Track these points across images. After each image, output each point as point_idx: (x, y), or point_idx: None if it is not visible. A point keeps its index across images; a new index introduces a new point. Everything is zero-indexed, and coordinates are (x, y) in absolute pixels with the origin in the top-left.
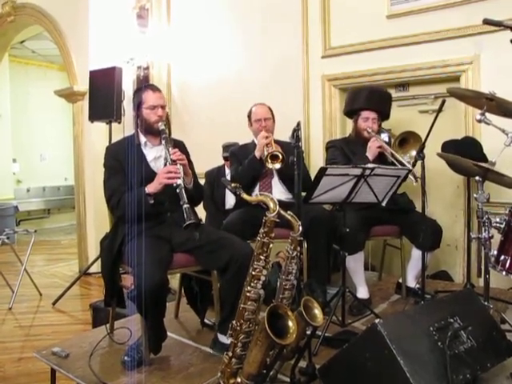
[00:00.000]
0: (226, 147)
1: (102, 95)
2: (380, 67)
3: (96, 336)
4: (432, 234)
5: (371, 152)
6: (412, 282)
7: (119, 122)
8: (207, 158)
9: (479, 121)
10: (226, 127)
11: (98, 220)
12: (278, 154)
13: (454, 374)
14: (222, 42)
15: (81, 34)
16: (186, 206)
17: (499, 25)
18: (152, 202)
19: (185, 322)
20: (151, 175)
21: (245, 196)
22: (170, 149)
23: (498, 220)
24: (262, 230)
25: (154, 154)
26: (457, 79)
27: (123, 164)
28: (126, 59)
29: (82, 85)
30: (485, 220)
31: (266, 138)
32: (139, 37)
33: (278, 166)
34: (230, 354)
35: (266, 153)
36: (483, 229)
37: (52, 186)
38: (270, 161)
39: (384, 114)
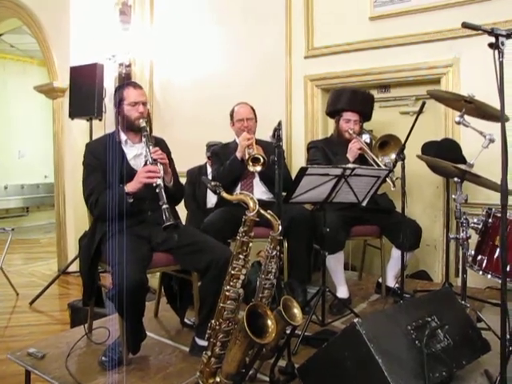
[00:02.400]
0: (209, 146)
1: (83, 92)
2: (362, 68)
3: (74, 336)
4: (412, 234)
5: (352, 153)
6: (392, 282)
7: (100, 120)
8: (189, 157)
9: (458, 123)
10: (208, 126)
11: (77, 218)
12: (259, 157)
13: (430, 372)
14: (205, 40)
15: (61, 29)
16: (165, 206)
17: (477, 29)
18: (131, 201)
19: (164, 321)
20: (131, 173)
21: (225, 195)
22: (151, 147)
23: (475, 221)
24: (241, 229)
25: (135, 151)
26: (437, 81)
27: (103, 162)
28: (108, 56)
29: (63, 81)
30: (463, 220)
31: (248, 139)
32: (121, 33)
33: (259, 168)
34: (209, 353)
35: (247, 155)
36: (461, 229)
37: (31, 183)
38: (251, 163)
39: (366, 116)
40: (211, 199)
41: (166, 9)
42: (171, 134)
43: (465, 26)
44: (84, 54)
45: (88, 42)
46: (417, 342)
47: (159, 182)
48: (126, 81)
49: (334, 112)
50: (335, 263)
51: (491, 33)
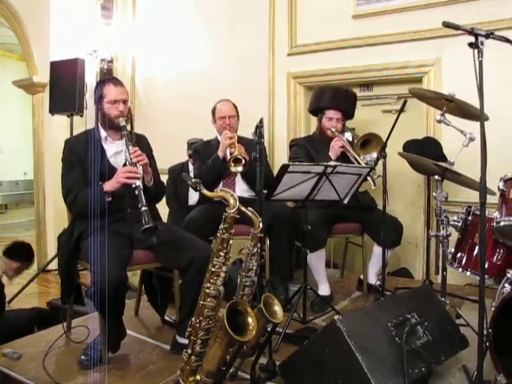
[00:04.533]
0: (191, 144)
1: (64, 87)
2: (345, 66)
3: (52, 335)
4: (393, 231)
5: (334, 151)
6: (373, 279)
7: (81, 116)
8: (171, 154)
9: (439, 121)
10: (191, 123)
11: (57, 216)
12: (240, 157)
13: (410, 368)
14: (187, 37)
15: (41, 23)
16: (144, 209)
17: (457, 28)
18: (110, 199)
19: (145, 319)
20: (110, 171)
21: (205, 191)
22: (131, 147)
23: (455, 218)
24: (221, 226)
25: (115, 148)
26: (419, 80)
27: (82, 158)
28: (89, 51)
29: (43, 76)
30: (443, 218)
31: (230, 138)
32: (103, 28)
33: (240, 169)
34: (190, 351)
35: (228, 154)
36: (441, 227)
37: (10, 180)
38: (232, 164)
39: (348, 114)
40: (193, 196)
41: (149, 4)
42: (153, 130)
43: (445, 24)
44: (65, 49)
45: (69, 37)
46: (397, 338)
47: (138, 183)
48: (107, 76)
49: (316, 110)
50: (317, 261)
51: (471, 32)
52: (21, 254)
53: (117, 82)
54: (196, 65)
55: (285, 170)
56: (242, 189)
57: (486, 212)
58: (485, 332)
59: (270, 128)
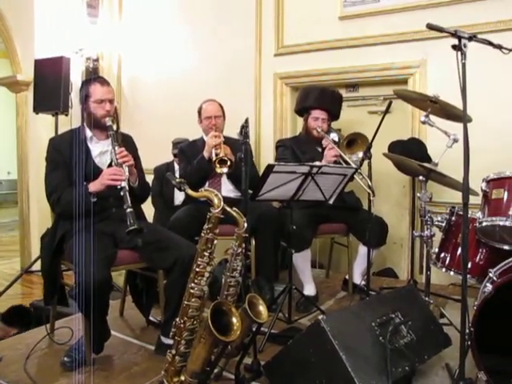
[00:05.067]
0: (176, 144)
1: (48, 86)
2: (331, 67)
3: (34, 337)
4: (378, 231)
5: (326, 160)
6: (358, 279)
7: (66, 115)
8: (157, 154)
9: (423, 122)
10: (177, 122)
11: (42, 216)
12: (226, 159)
13: (393, 367)
14: (174, 36)
15: (25, 19)
16: (129, 210)
17: (441, 30)
18: (94, 200)
19: (130, 319)
20: (95, 171)
21: (189, 191)
22: (117, 148)
23: (439, 219)
24: (206, 226)
25: (100, 148)
26: (405, 82)
27: (66, 158)
28: (75, 49)
29: (27, 74)
30: (427, 219)
31: (216, 139)
32: (89, 27)
33: (225, 170)
34: (174, 351)
35: (214, 155)
36: (425, 227)
37: None
38: (218, 165)
39: (334, 114)
40: (178, 197)
41: (135, 3)
42: (139, 130)
43: (429, 26)
44: (49, 47)
45: (54, 35)
46: (381, 337)
47: (124, 184)
48: (93, 75)
49: (302, 110)
50: (302, 261)
51: (454, 35)
52: (19, 319)
53: (103, 82)
54: (182, 64)
55: (270, 170)
56: (227, 189)
57: (469, 212)
58: (467, 331)
59: (257, 128)
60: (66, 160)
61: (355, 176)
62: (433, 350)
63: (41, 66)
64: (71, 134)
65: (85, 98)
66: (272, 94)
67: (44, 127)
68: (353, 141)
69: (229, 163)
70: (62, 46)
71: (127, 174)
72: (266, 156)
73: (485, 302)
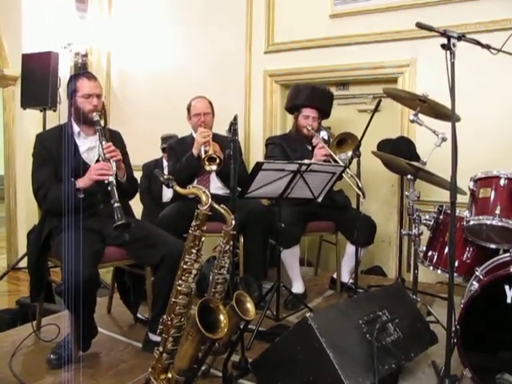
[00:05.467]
0: (164, 139)
1: (36, 81)
2: (321, 65)
3: (20, 334)
4: (366, 229)
5: (316, 159)
6: (346, 277)
7: (54, 110)
8: (146, 150)
9: (412, 121)
10: (166, 119)
11: (29, 213)
12: (215, 156)
13: (380, 364)
14: (164, 32)
15: (12, 14)
16: (116, 205)
17: (430, 29)
18: (82, 196)
19: (117, 317)
20: (83, 167)
21: (177, 188)
22: (104, 143)
23: (427, 217)
24: (193, 223)
25: (88, 144)
26: (395, 80)
27: (54, 154)
28: (63, 44)
29: (14, 68)
30: (415, 217)
31: (205, 136)
32: (78, 22)
33: (214, 167)
34: (161, 349)
35: (203, 152)
36: (413, 226)
37: None
38: (207, 163)
39: (325, 113)
40: (167, 193)
41: None
42: (128, 126)
43: (418, 26)
44: (37, 42)
45: (42, 29)
46: (368, 335)
47: (111, 179)
48: (82, 70)
49: (293, 107)
50: (291, 259)
51: (443, 34)
52: None
53: (90, 77)
54: (172, 60)
55: (259, 168)
56: (216, 186)
57: (457, 211)
58: (453, 328)
59: (246, 125)
60: (54, 156)
61: (344, 175)
62: (419, 348)
63: (29, 60)
64: (59, 129)
65: (72, 93)
66: (262, 92)
67: (31, 123)
68: (343, 140)
69: (218, 161)
70: (50, 41)
71: (115, 168)
72: (255, 153)
73: (471, 300)
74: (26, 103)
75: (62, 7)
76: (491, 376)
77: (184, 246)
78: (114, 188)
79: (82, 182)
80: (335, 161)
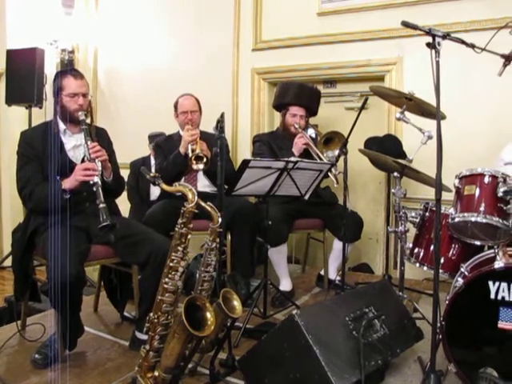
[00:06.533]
0: (151, 137)
1: (22, 77)
2: (309, 63)
3: (5, 334)
4: (353, 225)
5: (297, 148)
6: (333, 274)
7: (40, 107)
8: (133, 148)
9: (398, 119)
10: (154, 116)
11: (14, 211)
12: (202, 155)
13: (366, 361)
14: (152, 29)
15: None
16: (102, 206)
17: (415, 28)
18: (67, 196)
19: (104, 315)
20: (69, 165)
21: (164, 186)
22: (89, 142)
23: (413, 214)
24: (180, 221)
25: (74, 142)
26: (382, 79)
27: (39, 152)
28: (49, 41)
29: None
30: (401, 214)
31: (192, 135)
32: (64, 18)
33: (201, 166)
34: (148, 347)
35: (190, 151)
36: (400, 223)
37: None
38: (194, 162)
39: (312, 111)
40: (154, 191)
41: None
42: (115, 123)
43: (404, 24)
44: (23, 37)
45: (27, 25)
46: (354, 332)
47: (96, 179)
48: (69, 67)
49: (280, 105)
50: (278, 256)
51: (428, 33)
52: None
53: (77, 75)
54: (160, 58)
55: (246, 166)
56: (203, 184)
57: (442, 208)
58: (438, 324)
59: (234, 123)
60: (39, 154)
61: (329, 174)
62: (405, 344)
63: (14, 56)
64: (44, 127)
65: (58, 91)
66: (249, 89)
67: (17, 120)
68: (330, 138)
69: (205, 160)
70: (36, 37)
71: (100, 168)
72: (242, 151)
73: (456, 297)
74: (10, 100)
75: (48, 3)
76: (475, 370)
77: (170, 243)
78: (100, 188)
79: (67, 183)
80: (317, 154)
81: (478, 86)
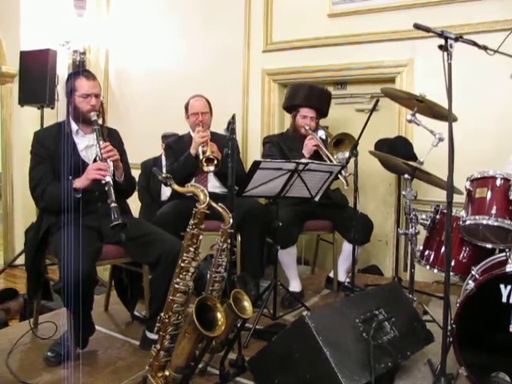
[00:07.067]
0: (164, 137)
1: (34, 78)
2: (319, 64)
3: (18, 332)
4: (363, 228)
5: (307, 149)
6: (342, 276)
7: (52, 108)
8: (144, 148)
9: (409, 121)
10: (165, 117)
11: (26, 210)
12: (212, 157)
13: (376, 363)
14: (162, 30)
15: (10, 11)
16: (113, 205)
17: (428, 30)
18: (79, 196)
19: (115, 314)
20: (81, 165)
21: (175, 187)
22: (101, 142)
23: (424, 217)
24: (191, 222)
25: (86, 142)
26: (392, 80)
27: (51, 152)
28: (62, 42)
29: (12, 66)
30: (412, 216)
31: (203, 137)
32: (76, 19)
33: (212, 168)
34: (159, 346)
35: (201, 152)
36: (410, 225)
37: None
38: (205, 164)
39: (322, 112)
40: (165, 192)
41: None
42: (126, 124)
43: (416, 26)
44: (36, 39)
45: (40, 27)
46: (364, 334)
47: (108, 179)
48: (80, 69)
49: (290, 107)
50: (288, 257)
51: (441, 35)
52: None
53: (89, 76)
54: (170, 58)
55: (256, 167)
56: (214, 185)
57: (453, 211)
58: (449, 327)
59: (244, 124)
60: (51, 154)
61: (339, 176)
62: (415, 347)
63: (27, 58)
64: (57, 127)
65: (70, 92)
66: (260, 90)
67: (29, 120)
68: (340, 140)
69: (215, 162)
70: (48, 38)
71: (112, 168)
72: (252, 152)
73: (467, 300)
74: (23, 100)
75: (61, 5)
76: (486, 375)
77: (181, 244)
78: (111, 188)
79: (79, 182)
80: (327, 156)
81: (490, 87)
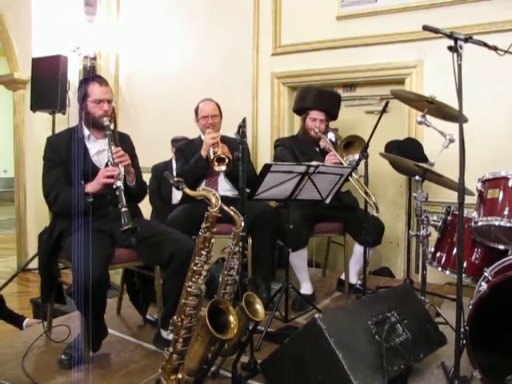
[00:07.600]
0: (175, 141)
1: (46, 84)
2: (328, 67)
3: (32, 335)
4: (374, 230)
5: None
6: (354, 279)
7: (64, 113)
8: (155, 152)
9: (420, 122)
10: (175, 121)
11: (38, 214)
12: (224, 156)
13: (389, 365)
14: (171, 34)
15: (22, 18)
16: (124, 210)
17: (437, 31)
18: (91, 200)
19: (127, 318)
20: (93, 169)
21: (187, 190)
22: (113, 147)
23: (435, 218)
24: (203, 225)
25: (98, 147)
26: (402, 82)
27: (64, 157)
28: (72, 48)
29: (24, 72)
30: (423, 218)
31: (213, 138)
32: (87, 25)
33: (223, 168)
34: (171, 349)
35: (212, 154)
36: (421, 227)
37: None
38: (216, 163)
39: (332, 115)
40: (176, 195)
41: (133, 1)
42: (136, 128)
43: (425, 28)
44: (47, 45)
45: (51, 33)
46: (376, 336)
47: (119, 184)
48: (91, 74)
49: (300, 110)
50: (299, 260)
51: (450, 36)
52: None
53: (102, 82)
54: (179, 63)
55: (267, 170)
56: (224, 188)
57: (465, 212)
58: (462, 329)
59: (254, 127)
60: (64, 159)
61: (350, 178)
62: (428, 349)
63: (38, 64)
64: (69, 132)
65: (83, 98)
66: (269, 94)
67: (41, 125)
68: (350, 142)
69: (227, 161)
70: (59, 45)
71: (123, 173)
72: (263, 154)
73: (480, 301)
74: (35, 106)
75: (71, 11)
76: (502, 378)
77: (194, 242)
78: (122, 193)
79: (90, 187)
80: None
81: (500, 87)
